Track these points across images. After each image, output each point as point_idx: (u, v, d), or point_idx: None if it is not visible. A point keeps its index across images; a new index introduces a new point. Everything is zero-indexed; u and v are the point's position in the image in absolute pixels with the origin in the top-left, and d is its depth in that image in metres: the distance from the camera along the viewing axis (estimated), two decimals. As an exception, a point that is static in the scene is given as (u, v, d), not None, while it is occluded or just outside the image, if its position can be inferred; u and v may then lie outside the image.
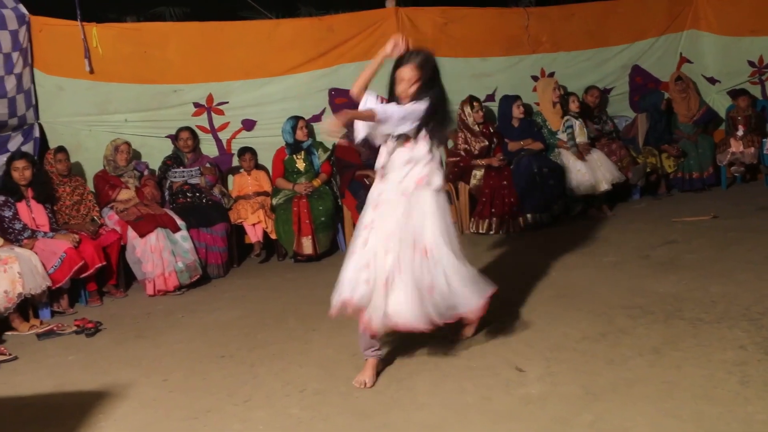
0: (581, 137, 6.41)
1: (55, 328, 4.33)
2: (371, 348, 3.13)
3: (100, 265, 4.88)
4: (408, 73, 3.06)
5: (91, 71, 5.78)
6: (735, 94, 7.07)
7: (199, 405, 3.00)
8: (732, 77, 7.33)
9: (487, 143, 6.15)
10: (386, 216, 3.07)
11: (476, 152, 6.10)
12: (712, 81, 7.43)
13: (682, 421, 2.40)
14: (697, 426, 2.36)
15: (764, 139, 6.73)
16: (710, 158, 6.91)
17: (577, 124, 6.42)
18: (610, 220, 6.06)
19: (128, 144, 5.61)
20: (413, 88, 3.07)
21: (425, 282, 2.98)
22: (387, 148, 3.15)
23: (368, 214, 3.14)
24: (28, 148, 5.47)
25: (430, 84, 3.10)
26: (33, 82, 5.62)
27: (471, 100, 6.18)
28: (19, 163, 4.89)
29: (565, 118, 6.43)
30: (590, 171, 6.20)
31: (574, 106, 6.49)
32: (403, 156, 3.10)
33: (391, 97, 3.16)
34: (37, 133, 5.64)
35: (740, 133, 6.83)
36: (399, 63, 3.12)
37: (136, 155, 5.83)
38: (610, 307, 3.69)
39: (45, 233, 4.81)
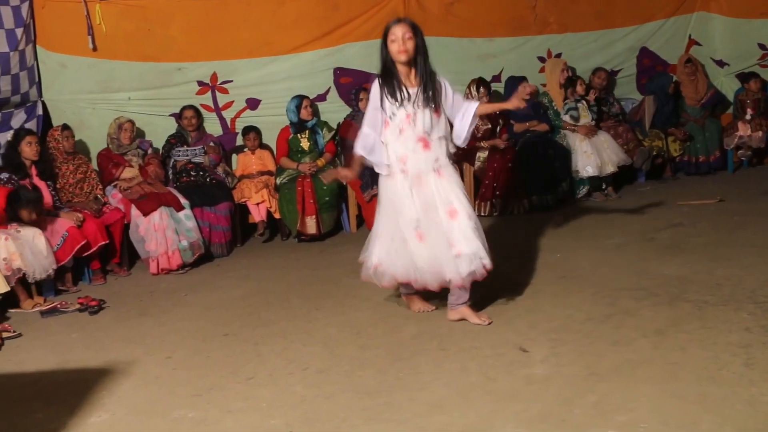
0: (585, 119, 6.36)
1: (58, 306, 4.33)
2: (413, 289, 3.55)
3: (102, 243, 4.88)
4: (400, 30, 3.24)
5: (95, 48, 5.74)
6: (745, 76, 6.99)
7: (202, 383, 3.00)
8: (741, 60, 7.25)
9: (490, 126, 6.10)
10: (431, 194, 3.33)
11: (479, 134, 6.05)
12: (720, 64, 7.35)
13: (687, 403, 2.40)
14: (701, 407, 2.35)
15: (772, 123, 6.68)
16: (717, 142, 6.86)
17: (580, 106, 6.36)
18: (615, 202, 6.04)
19: (132, 122, 5.58)
20: (410, 44, 3.24)
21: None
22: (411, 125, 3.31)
23: (411, 200, 3.33)
24: (31, 125, 5.45)
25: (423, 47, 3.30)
26: (36, 59, 5.58)
27: (479, 83, 6.07)
28: (32, 138, 4.91)
29: (566, 101, 6.38)
30: (596, 153, 6.16)
31: (581, 89, 6.43)
32: (436, 129, 3.34)
33: (386, 79, 3.31)
34: (40, 111, 5.62)
35: (748, 116, 6.77)
36: (385, 33, 3.29)
37: (139, 134, 5.81)
38: (615, 289, 3.67)
39: (49, 212, 4.80)
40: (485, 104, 3.66)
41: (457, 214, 3.29)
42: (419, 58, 3.28)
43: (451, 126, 3.43)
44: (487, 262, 3.28)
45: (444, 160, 3.36)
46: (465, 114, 3.37)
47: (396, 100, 3.28)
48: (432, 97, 3.29)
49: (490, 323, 3.35)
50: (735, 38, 7.23)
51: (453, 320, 3.42)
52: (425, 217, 3.30)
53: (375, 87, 3.34)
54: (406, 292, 3.63)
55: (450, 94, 3.38)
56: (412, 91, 3.30)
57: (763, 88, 6.94)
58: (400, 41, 3.24)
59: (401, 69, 3.30)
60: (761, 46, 7.13)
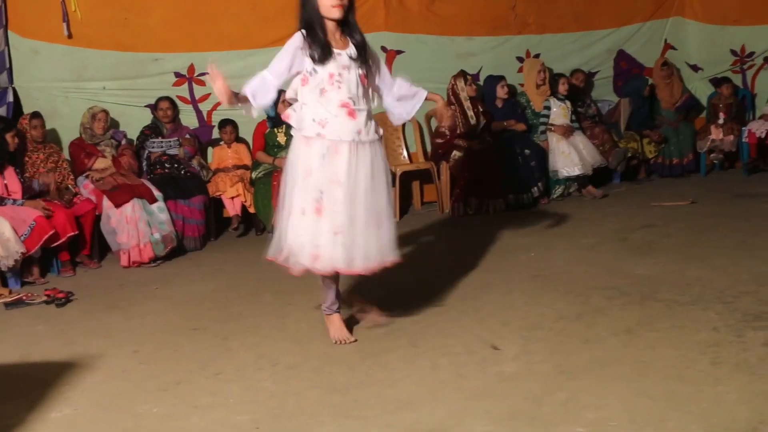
0: (564, 119, 6.39)
1: (24, 298, 4.24)
2: (336, 304, 3.21)
3: (71, 234, 4.80)
4: None
5: (69, 36, 5.65)
6: (718, 81, 7.10)
7: (169, 377, 2.96)
8: (715, 65, 7.35)
9: (475, 123, 6.11)
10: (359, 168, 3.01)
11: (461, 131, 6.07)
12: (695, 68, 7.44)
13: (655, 401, 2.41)
14: (668, 405, 2.37)
15: (743, 128, 6.77)
16: (690, 145, 6.95)
17: (560, 105, 6.40)
18: (590, 203, 6.09)
19: (106, 112, 5.49)
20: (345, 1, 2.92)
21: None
22: (349, 77, 2.98)
23: (329, 167, 2.97)
24: (1, 112, 5.33)
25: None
26: (7, 44, 5.48)
27: (463, 74, 6.14)
28: (14, 131, 4.81)
29: (546, 99, 6.41)
30: (575, 151, 6.20)
31: (563, 88, 6.46)
32: (363, 99, 3.03)
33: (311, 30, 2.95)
34: (10, 98, 5.50)
35: (721, 120, 6.86)
36: None
37: (113, 124, 5.72)
38: (587, 288, 3.69)
39: (15, 201, 4.71)
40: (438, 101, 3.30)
41: (359, 201, 2.99)
42: (351, 17, 2.98)
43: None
44: (378, 261, 3.03)
45: (366, 136, 3.02)
46: (410, 98, 3.16)
47: (319, 55, 2.91)
48: (363, 61, 3.00)
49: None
50: (709, 44, 7.33)
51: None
52: (329, 191, 2.97)
53: (296, 36, 2.96)
54: (328, 310, 3.21)
55: (382, 67, 3.13)
56: (338, 51, 2.97)
57: (735, 93, 7.04)
58: None
59: (329, 26, 2.96)
60: (733, 52, 7.24)
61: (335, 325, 3.20)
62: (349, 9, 2.97)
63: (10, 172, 4.83)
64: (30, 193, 4.90)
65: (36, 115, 5.18)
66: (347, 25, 3.00)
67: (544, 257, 4.37)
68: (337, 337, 3.17)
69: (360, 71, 3.01)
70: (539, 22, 7.00)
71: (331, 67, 2.95)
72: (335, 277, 3.16)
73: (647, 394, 2.46)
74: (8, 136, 4.76)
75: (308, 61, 2.96)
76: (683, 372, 2.61)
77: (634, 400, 2.43)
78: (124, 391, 2.85)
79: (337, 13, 2.92)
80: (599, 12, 7.17)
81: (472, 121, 6.10)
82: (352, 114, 3.00)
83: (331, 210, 2.97)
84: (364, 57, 3.02)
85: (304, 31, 2.96)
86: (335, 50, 2.97)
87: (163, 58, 5.97)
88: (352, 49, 3.01)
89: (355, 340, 3.18)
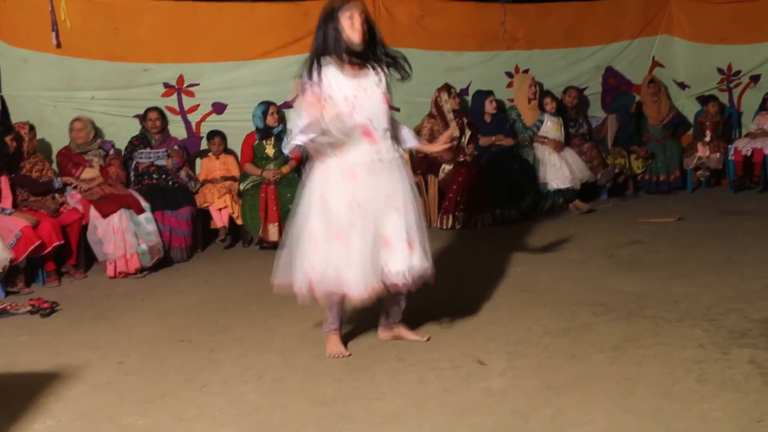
0: (556, 133, 6.44)
1: (8, 307, 4.19)
2: (337, 323, 3.23)
3: (57, 243, 4.75)
4: (357, 8, 2.95)
5: (59, 45, 5.64)
6: (704, 99, 7.18)
7: (154, 389, 2.93)
8: (701, 83, 7.44)
9: (459, 135, 6.15)
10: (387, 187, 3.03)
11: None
12: (682, 86, 7.53)
13: (641, 417, 2.41)
14: (655, 422, 2.37)
15: (730, 145, 6.85)
16: (677, 162, 7.01)
17: (553, 120, 6.46)
18: (577, 218, 6.11)
19: (82, 121, 5.44)
20: (364, 26, 2.96)
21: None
22: (372, 101, 3.01)
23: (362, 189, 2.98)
24: (-12, 120, 5.31)
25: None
26: (-5, 52, 5.46)
27: (447, 87, 6.19)
28: (11, 134, 4.82)
29: (541, 113, 6.47)
30: (564, 167, 6.25)
31: (549, 107, 6.52)
32: (383, 119, 3.05)
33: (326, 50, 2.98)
34: (-1, 106, 5.48)
35: (707, 138, 6.94)
36: (335, 11, 2.94)
37: (101, 134, 5.70)
38: (574, 304, 3.70)
39: (3, 210, 4.67)
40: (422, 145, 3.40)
41: (380, 224, 2.99)
42: (374, 40, 3.01)
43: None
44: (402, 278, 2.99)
45: (387, 155, 3.03)
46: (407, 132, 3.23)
47: (334, 78, 2.94)
48: (383, 80, 3.02)
49: (428, 339, 3.28)
50: (696, 62, 7.42)
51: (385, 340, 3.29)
52: (348, 215, 2.96)
53: (302, 82, 2.98)
54: (328, 329, 3.24)
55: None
56: (355, 73, 2.99)
57: (721, 112, 7.13)
58: (357, 19, 2.92)
59: (349, 50, 2.98)
60: (720, 71, 7.32)
61: (332, 341, 3.22)
62: (371, 34, 2.99)
63: (4, 180, 4.79)
64: (48, 187, 5.01)
65: (31, 128, 5.16)
66: (371, 46, 3.02)
67: (531, 272, 4.38)
68: (333, 351, 3.18)
69: (382, 91, 3.02)
70: (528, 38, 7.06)
71: (345, 90, 2.96)
72: (342, 299, 3.12)
73: (634, 411, 2.47)
74: (8, 139, 4.74)
75: (324, 84, 2.96)
76: (669, 389, 2.62)
77: (621, 416, 2.44)
78: (108, 402, 2.83)
79: (357, 38, 2.94)
80: (588, 28, 7.25)
81: (456, 134, 6.14)
82: (370, 136, 3.00)
83: (351, 234, 2.96)
84: (380, 77, 3.03)
85: (316, 53, 2.98)
86: (352, 73, 2.99)
87: (153, 69, 5.97)
88: (373, 71, 3.03)
89: (349, 355, 3.18)
